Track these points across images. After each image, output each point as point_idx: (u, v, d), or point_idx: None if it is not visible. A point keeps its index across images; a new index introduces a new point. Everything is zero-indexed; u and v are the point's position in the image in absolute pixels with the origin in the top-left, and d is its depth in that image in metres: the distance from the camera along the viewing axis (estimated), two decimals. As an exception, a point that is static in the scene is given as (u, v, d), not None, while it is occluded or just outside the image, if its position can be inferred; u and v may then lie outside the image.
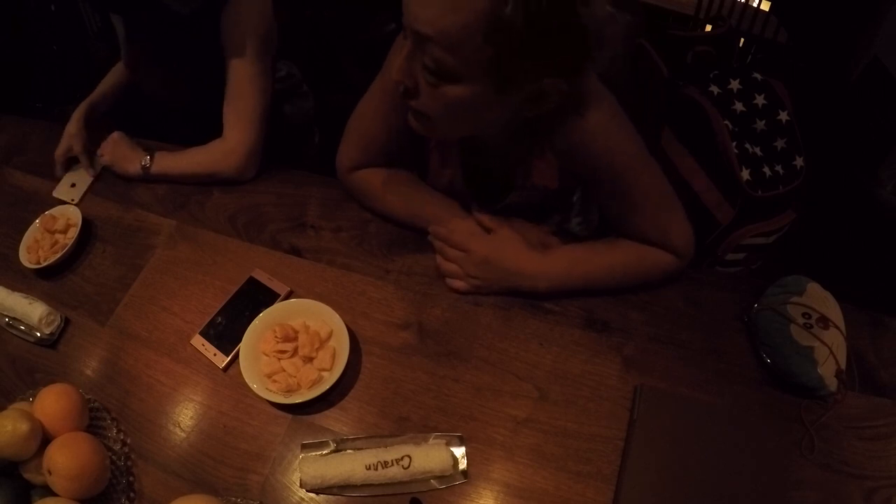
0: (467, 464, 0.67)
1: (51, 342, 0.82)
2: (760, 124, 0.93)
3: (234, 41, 0.94)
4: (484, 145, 0.78)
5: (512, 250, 0.78)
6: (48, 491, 0.64)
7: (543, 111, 0.63)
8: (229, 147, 0.96)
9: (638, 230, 0.78)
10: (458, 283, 0.80)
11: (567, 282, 0.78)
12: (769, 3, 1.74)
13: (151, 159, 0.98)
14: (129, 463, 0.70)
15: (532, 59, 0.56)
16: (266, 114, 0.98)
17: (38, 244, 0.91)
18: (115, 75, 1.16)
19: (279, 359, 0.75)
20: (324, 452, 0.69)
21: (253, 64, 0.95)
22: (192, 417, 0.74)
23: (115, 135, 1.02)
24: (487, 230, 0.80)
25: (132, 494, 0.68)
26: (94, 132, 1.05)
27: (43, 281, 0.90)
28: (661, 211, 0.77)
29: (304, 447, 0.70)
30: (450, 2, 0.53)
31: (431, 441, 0.68)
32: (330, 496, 0.67)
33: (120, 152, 1.00)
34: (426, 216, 0.84)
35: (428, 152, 0.87)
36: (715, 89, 0.94)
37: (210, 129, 0.99)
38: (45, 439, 0.66)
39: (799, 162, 0.93)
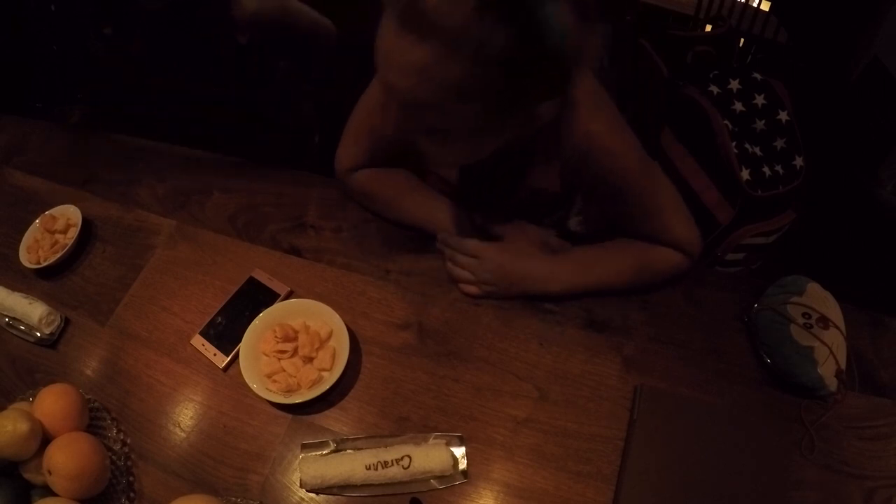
0: (467, 464, 0.67)
1: (51, 342, 0.82)
2: (760, 124, 0.93)
3: None
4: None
5: (524, 255, 0.79)
6: (48, 491, 0.64)
7: (540, 125, 0.63)
8: None
9: (643, 231, 0.78)
10: (472, 289, 0.79)
11: (579, 284, 0.78)
12: (769, 3, 1.74)
13: None
14: (129, 463, 0.70)
15: (514, 101, 0.57)
16: None
17: (38, 244, 0.91)
18: None
19: (279, 359, 0.75)
20: (324, 452, 0.69)
21: None
22: (192, 417, 0.74)
23: None
24: (496, 237, 0.80)
25: (132, 494, 0.68)
26: None
27: (43, 281, 0.90)
28: (664, 211, 0.77)
29: (304, 447, 0.70)
30: (424, 72, 0.52)
31: (431, 441, 0.68)
32: (330, 496, 0.67)
33: None
34: (431, 220, 0.83)
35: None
36: (715, 89, 0.94)
37: (220, 128, 0.99)
38: (45, 439, 0.66)
39: (799, 162, 0.93)
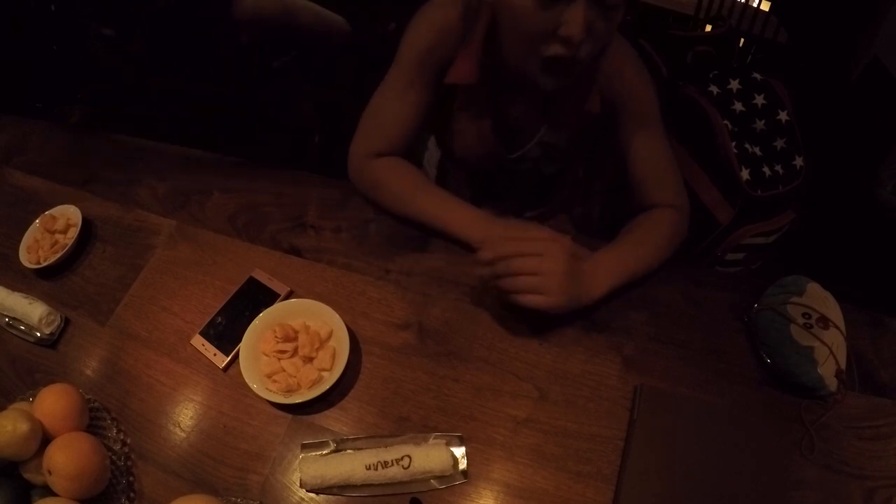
0: (467, 464, 0.67)
1: (51, 342, 0.82)
2: (760, 124, 0.93)
3: None
4: (521, 86, 0.80)
5: (571, 259, 0.70)
6: (48, 491, 0.64)
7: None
8: None
9: (644, 173, 0.83)
10: (539, 299, 0.68)
11: (618, 279, 0.76)
12: (769, 3, 1.74)
13: None
14: (129, 463, 0.70)
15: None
16: None
17: (38, 244, 0.91)
18: None
19: (279, 359, 0.75)
20: (324, 452, 0.69)
21: None
22: (192, 417, 0.74)
23: None
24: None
25: (132, 494, 0.68)
26: None
27: (43, 281, 0.90)
28: (664, 166, 0.83)
29: (304, 447, 0.70)
30: None
31: (431, 441, 0.68)
32: (330, 496, 0.67)
33: None
34: (442, 217, 0.83)
35: (455, 113, 0.88)
36: (714, 89, 0.94)
37: (220, 128, 0.99)
38: (45, 439, 0.66)
39: (798, 162, 0.94)
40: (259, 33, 1.06)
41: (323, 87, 1.33)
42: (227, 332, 0.79)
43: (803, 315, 0.72)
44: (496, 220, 0.81)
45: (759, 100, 0.93)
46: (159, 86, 1.13)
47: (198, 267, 0.87)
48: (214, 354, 0.77)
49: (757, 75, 0.95)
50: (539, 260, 0.68)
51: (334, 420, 0.72)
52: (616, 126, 0.83)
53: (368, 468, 0.65)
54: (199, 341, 0.79)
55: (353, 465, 0.66)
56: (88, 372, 0.80)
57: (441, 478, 0.66)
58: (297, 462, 0.69)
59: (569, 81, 0.74)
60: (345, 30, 1.21)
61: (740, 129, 0.93)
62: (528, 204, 1.07)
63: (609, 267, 0.76)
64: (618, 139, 0.84)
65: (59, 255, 0.88)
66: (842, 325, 0.72)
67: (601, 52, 0.73)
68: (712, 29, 1.19)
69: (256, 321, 0.77)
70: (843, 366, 0.69)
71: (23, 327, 0.82)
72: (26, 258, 0.90)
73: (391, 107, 0.85)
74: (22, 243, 0.92)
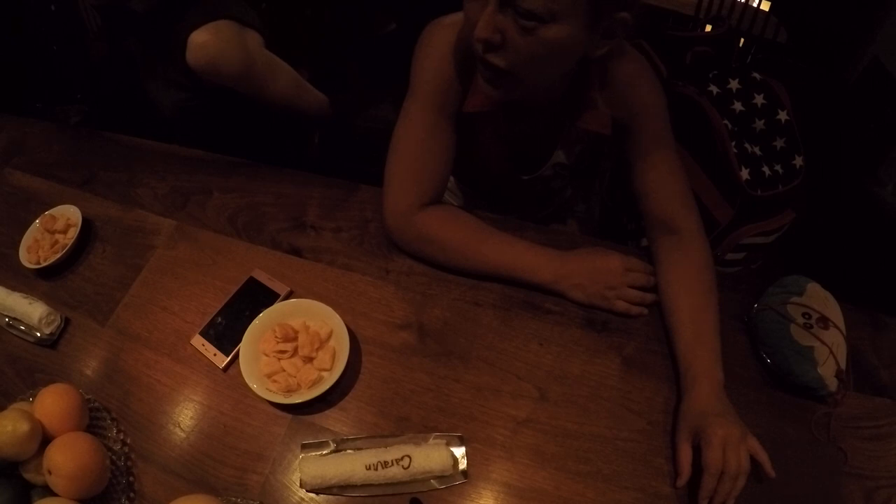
0: (467, 464, 0.67)
1: (51, 342, 0.82)
2: (759, 124, 0.93)
3: None
4: (532, 111, 0.78)
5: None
6: (48, 491, 0.64)
7: (606, 50, 0.66)
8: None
9: (660, 192, 0.78)
10: (643, 309, 0.78)
11: (718, 355, 0.71)
12: (769, 3, 1.74)
13: None
14: (129, 463, 0.70)
15: None
16: None
17: (38, 244, 0.91)
18: None
19: (279, 359, 0.75)
20: (324, 452, 0.69)
21: None
22: (192, 417, 0.74)
23: None
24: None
25: (132, 494, 0.68)
26: None
27: (43, 281, 0.90)
28: (678, 172, 0.78)
29: (304, 447, 0.70)
30: None
31: (431, 441, 0.68)
32: (330, 496, 0.67)
33: None
34: (515, 264, 0.78)
35: (470, 139, 0.83)
36: (714, 89, 0.94)
37: (212, 130, 0.98)
38: (45, 439, 0.66)
39: (798, 161, 0.94)
40: (219, 84, 0.96)
41: (322, 86, 1.33)
42: (227, 332, 0.79)
43: (803, 315, 0.72)
44: (564, 256, 0.79)
45: (759, 100, 0.93)
46: (158, 85, 1.13)
47: (198, 267, 0.87)
48: (214, 354, 0.77)
49: (756, 75, 0.95)
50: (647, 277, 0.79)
51: (334, 420, 0.72)
52: (627, 142, 0.79)
53: (368, 468, 0.65)
54: (199, 341, 0.79)
55: (353, 465, 0.66)
56: (88, 372, 0.80)
57: (441, 478, 0.66)
58: (297, 462, 0.69)
59: (510, 94, 0.69)
60: (323, 110, 1.13)
61: (740, 129, 0.93)
62: (537, 210, 1.07)
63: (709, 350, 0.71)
64: (629, 155, 0.79)
65: (59, 255, 0.88)
66: (842, 325, 0.72)
67: (553, 76, 0.70)
68: (712, 29, 1.19)
69: (256, 321, 0.77)
70: (843, 366, 0.69)
71: (23, 327, 0.82)
72: (26, 258, 0.90)
73: (425, 150, 0.78)
74: (22, 243, 0.92)
